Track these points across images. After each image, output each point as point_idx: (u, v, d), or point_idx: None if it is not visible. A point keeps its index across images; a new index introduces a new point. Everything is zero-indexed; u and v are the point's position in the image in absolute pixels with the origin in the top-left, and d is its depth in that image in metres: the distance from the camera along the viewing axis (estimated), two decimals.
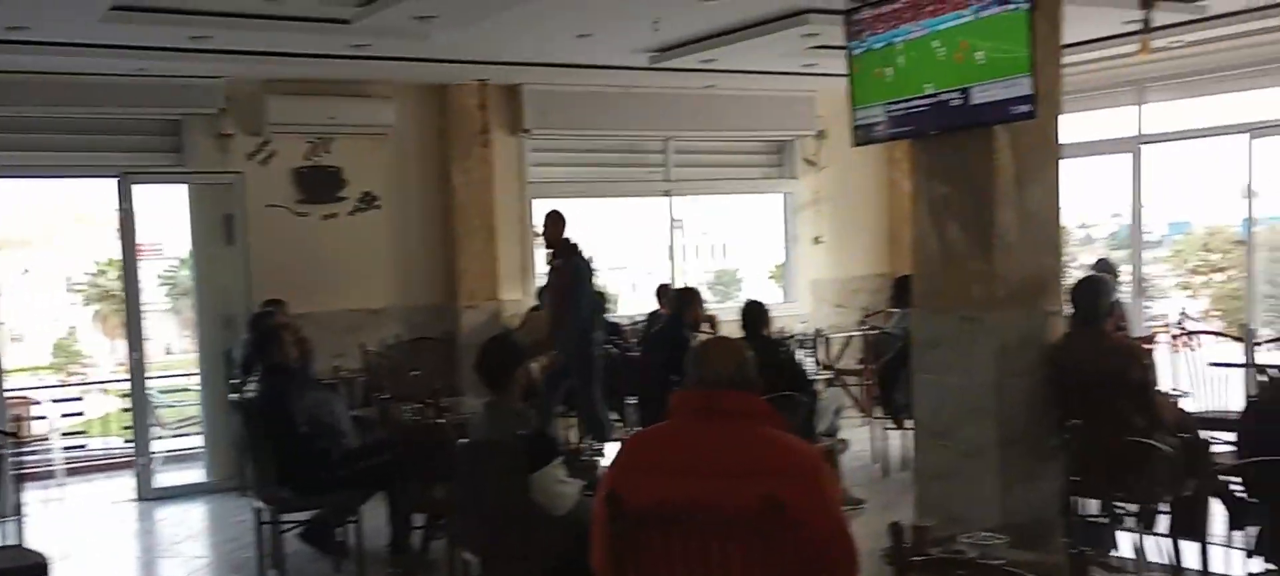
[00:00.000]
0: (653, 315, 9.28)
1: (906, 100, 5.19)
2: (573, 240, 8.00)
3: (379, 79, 8.83)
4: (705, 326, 7.84)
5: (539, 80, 9.24)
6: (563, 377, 7.85)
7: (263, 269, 8.57)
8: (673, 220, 10.60)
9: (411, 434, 5.81)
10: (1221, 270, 12.34)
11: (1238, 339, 7.03)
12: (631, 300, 11.20)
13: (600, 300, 8.25)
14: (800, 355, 8.70)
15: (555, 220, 8.07)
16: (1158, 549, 3.95)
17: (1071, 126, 7.44)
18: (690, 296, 7.67)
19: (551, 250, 8.07)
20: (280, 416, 5.79)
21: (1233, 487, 4.02)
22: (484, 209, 9.44)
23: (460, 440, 4.61)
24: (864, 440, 8.27)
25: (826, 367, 9.67)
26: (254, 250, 8.62)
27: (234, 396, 6.33)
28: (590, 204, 10.84)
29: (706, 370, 2.91)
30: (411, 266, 9.34)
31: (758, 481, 2.70)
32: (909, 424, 6.23)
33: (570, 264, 7.94)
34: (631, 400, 7.42)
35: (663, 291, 9.52)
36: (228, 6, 6.67)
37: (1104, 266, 7.59)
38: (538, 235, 8.85)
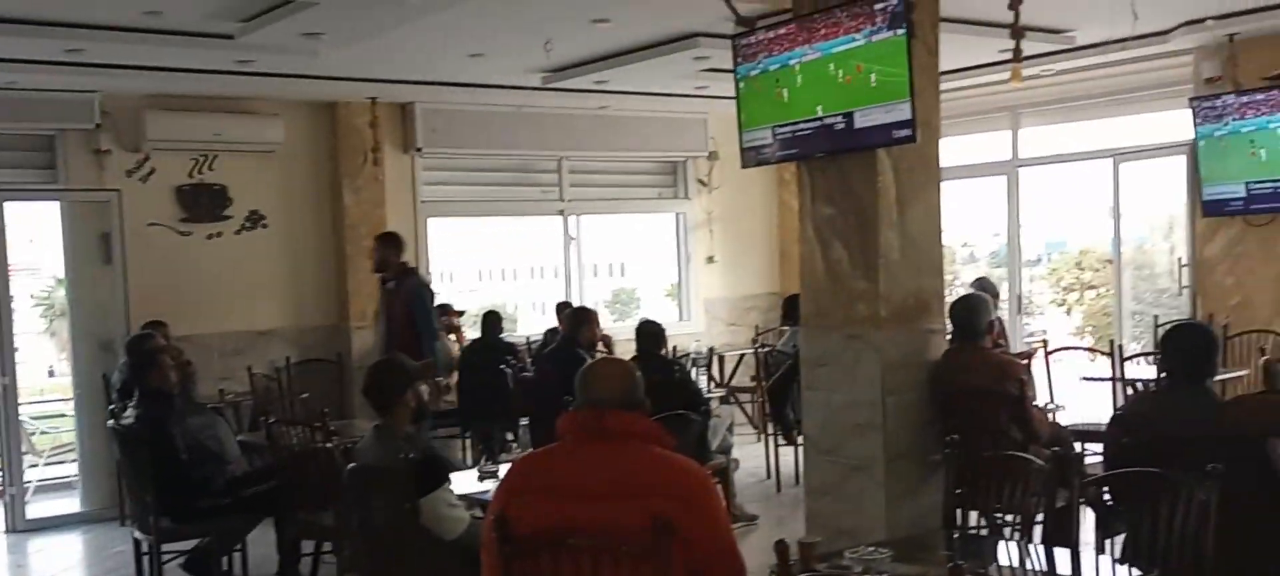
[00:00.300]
0: (551, 332, 9.28)
1: (793, 123, 5.29)
2: (409, 263, 7.78)
3: (266, 95, 8.66)
4: (600, 346, 7.86)
5: (431, 99, 9.17)
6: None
7: (143, 290, 8.30)
8: (568, 238, 10.63)
9: (299, 459, 5.70)
10: (1093, 288, 12.85)
11: (1107, 354, 7.33)
12: (530, 319, 11.17)
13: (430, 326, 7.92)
14: (695, 373, 8.79)
15: (387, 242, 7.86)
16: (1035, 558, 4.09)
17: (952, 150, 7.73)
18: (585, 316, 7.67)
19: (383, 273, 7.83)
20: (159, 442, 5.63)
21: (1104, 496, 4.20)
22: (375, 228, 9.28)
23: (348, 465, 4.54)
24: (757, 456, 8.38)
25: (720, 386, 9.79)
26: (133, 270, 8.34)
27: (111, 422, 6.13)
28: (485, 222, 10.83)
29: (594, 391, 2.93)
30: (301, 287, 9.17)
31: (646, 502, 2.72)
32: (800, 440, 6.34)
33: (406, 287, 7.72)
34: (524, 421, 7.39)
35: (563, 309, 9.52)
36: (104, 19, 6.47)
37: (983, 285, 7.84)
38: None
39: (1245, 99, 7.77)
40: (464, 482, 4.91)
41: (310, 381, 8.44)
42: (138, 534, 5.86)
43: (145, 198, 8.46)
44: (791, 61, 5.22)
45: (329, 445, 5.29)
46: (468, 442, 8.36)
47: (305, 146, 9.17)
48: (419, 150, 9.47)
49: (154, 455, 5.63)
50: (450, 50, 7.55)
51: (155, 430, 5.66)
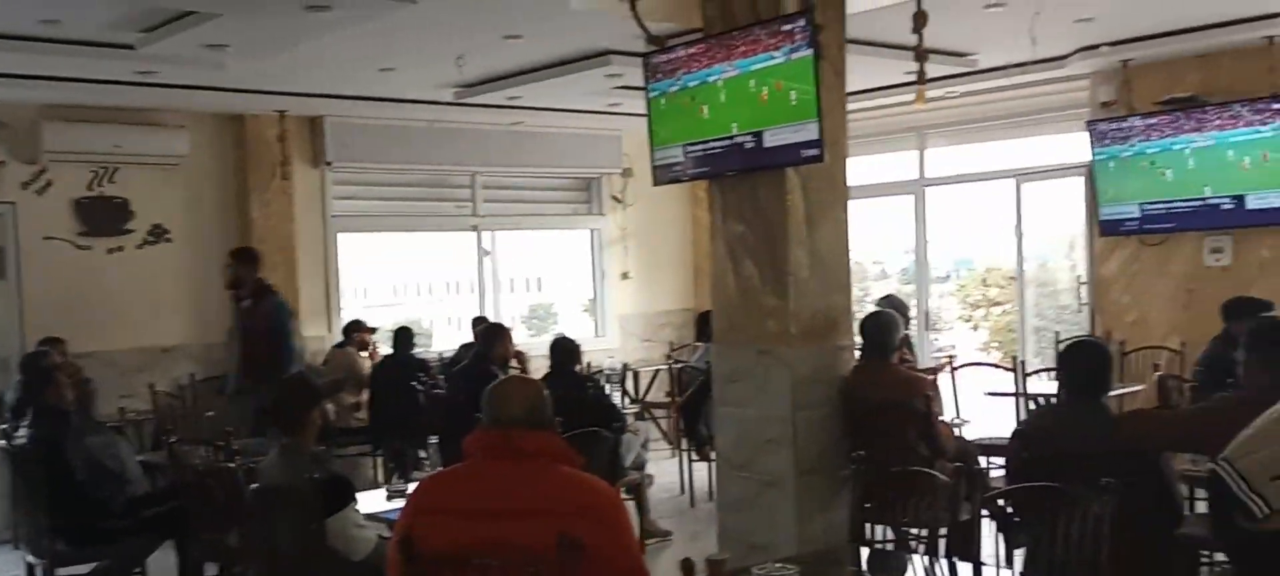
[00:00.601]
0: (464, 347, 9.22)
1: (704, 142, 5.33)
2: (267, 281, 7.56)
3: (170, 107, 8.46)
4: (514, 363, 7.81)
5: (342, 112, 9.05)
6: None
7: (39, 305, 8.05)
8: (482, 254, 10.57)
9: (202, 478, 5.55)
10: (998, 304, 13.18)
11: (1010, 369, 7.51)
12: (445, 335, 11.07)
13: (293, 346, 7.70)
14: (609, 390, 8.79)
15: (242, 258, 7.65)
16: (940, 572, 4.16)
17: (861, 169, 7.87)
18: (497, 332, 7.61)
19: (236, 291, 7.60)
20: (54, 462, 5.44)
21: (1005, 510, 4.30)
22: (284, 243, 9.16)
23: (253, 485, 4.45)
24: (672, 472, 8.41)
25: (635, 402, 9.80)
26: (29, 285, 8.08)
27: (2, 442, 5.92)
28: (398, 238, 10.70)
29: (501, 410, 2.92)
30: (206, 302, 8.95)
31: (554, 521, 2.71)
32: (713, 456, 6.38)
33: (265, 305, 7.51)
34: (435, 439, 7.32)
35: (479, 323, 9.45)
36: None
37: (892, 302, 7.96)
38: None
39: (1150, 121, 8.06)
40: (372, 502, 4.84)
41: (215, 399, 8.24)
42: (30, 557, 5.66)
43: (42, 211, 8.19)
44: (711, 78, 5.25)
45: (233, 465, 5.17)
46: (378, 460, 8.24)
47: (211, 159, 8.98)
48: (329, 164, 9.34)
49: (49, 475, 5.45)
50: (361, 64, 7.47)
51: (50, 449, 5.49)
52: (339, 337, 9.12)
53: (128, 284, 8.58)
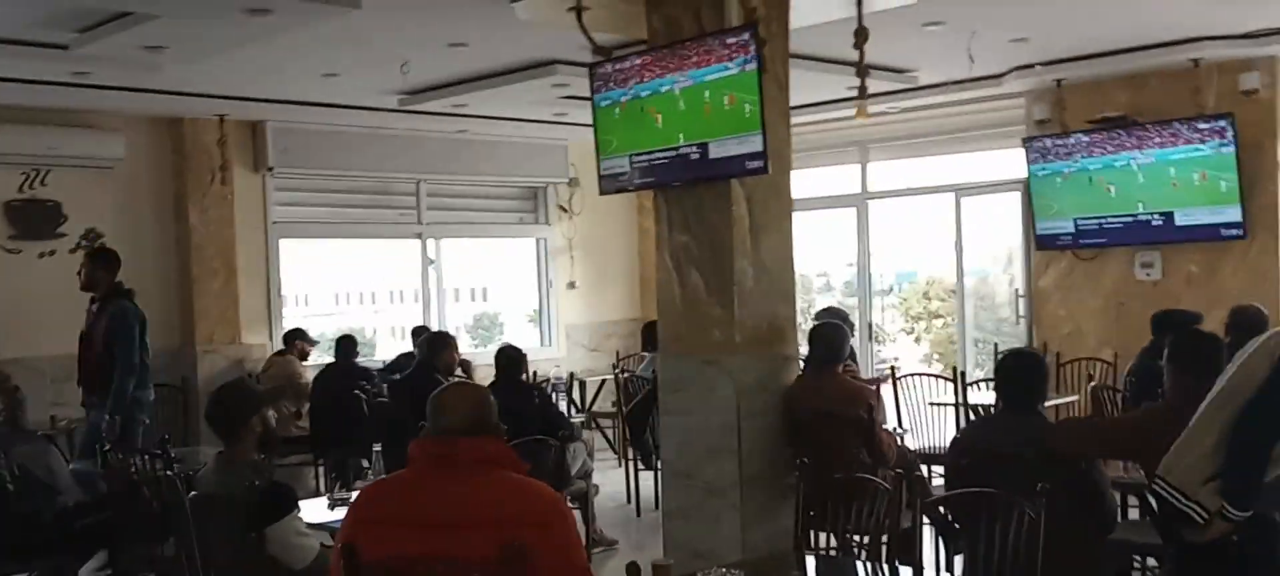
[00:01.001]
0: (403, 356, 9.15)
1: (650, 152, 5.36)
2: (124, 285, 6.92)
3: (105, 109, 8.30)
4: (458, 371, 7.77)
5: (283, 117, 8.95)
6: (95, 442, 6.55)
7: None
8: (427, 262, 10.50)
9: (137, 488, 5.44)
10: (940, 317, 13.36)
11: (951, 380, 7.63)
12: (388, 344, 11.00)
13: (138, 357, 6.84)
14: (556, 399, 8.76)
15: (97, 258, 7.01)
16: None
17: (805, 182, 7.97)
18: (442, 341, 7.57)
19: (92, 292, 6.95)
20: None
21: (944, 517, 4.37)
22: (224, 249, 9.03)
23: (191, 493, 4.37)
24: (618, 481, 8.40)
25: (581, 411, 9.79)
26: None
27: None
28: (342, 244, 10.60)
29: (445, 417, 2.89)
30: (143, 308, 8.77)
31: (498, 529, 2.70)
32: (658, 464, 6.39)
33: (109, 309, 6.77)
34: (378, 447, 7.23)
35: (419, 333, 9.38)
36: None
37: (833, 313, 8.06)
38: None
39: (1084, 139, 8.24)
40: (314, 511, 4.79)
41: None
42: None
43: None
44: (663, 88, 5.26)
45: (170, 473, 5.07)
46: (320, 469, 8.14)
47: (148, 163, 8.84)
48: (271, 170, 9.23)
49: None
50: (303, 69, 7.39)
51: None
52: (279, 346, 9.01)
53: (59, 289, 8.31)
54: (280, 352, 8.91)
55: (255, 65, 7.15)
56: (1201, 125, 7.70)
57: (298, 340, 8.87)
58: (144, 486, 5.30)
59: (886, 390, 7.36)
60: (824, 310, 7.61)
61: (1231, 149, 7.59)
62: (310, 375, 8.66)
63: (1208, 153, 7.73)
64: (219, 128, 8.82)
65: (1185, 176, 7.85)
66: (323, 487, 7.75)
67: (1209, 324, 6.80)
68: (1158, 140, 7.93)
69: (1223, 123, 7.62)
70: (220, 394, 4.50)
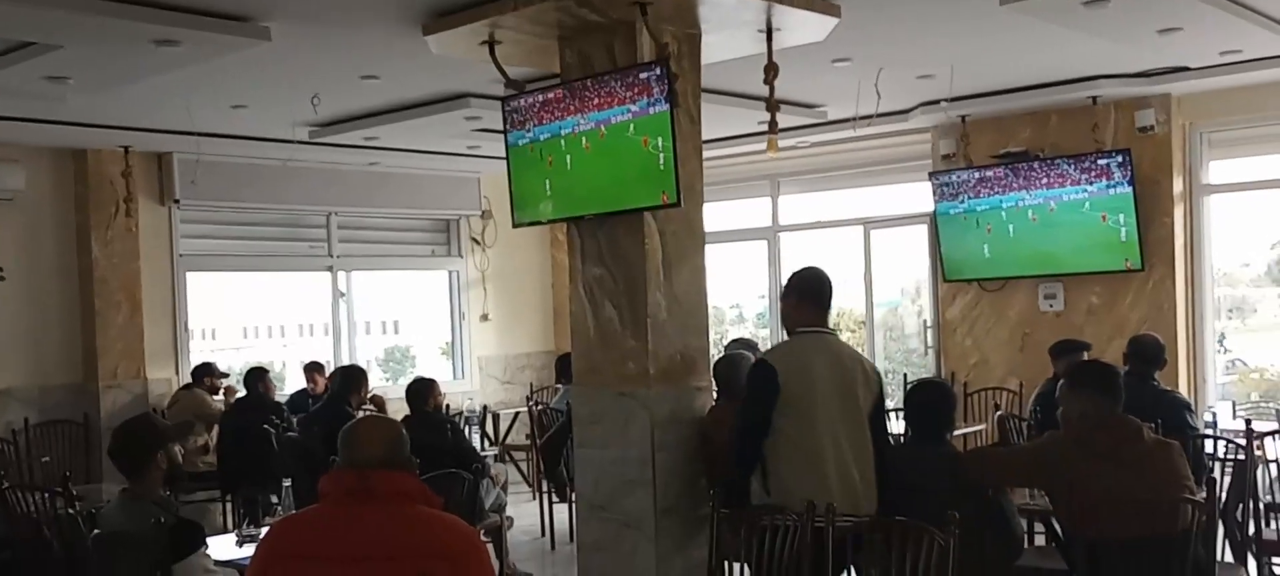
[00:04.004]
0: (299, 393, 9.02)
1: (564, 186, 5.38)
2: None
3: (4, 139, 8.07)
4: (369, 406, 7.68)
5: (190, 149, 8.75)
6: None
7: None
8: (338, 295, 10.37)
9: (38, 527, 5.26)
10: None
11: None
12: (298, 378, 10.80)
13: None
14: (469, 432, 8.70)
15: None
16: None
17: (716, 215, 8.06)
18: (354, 375, 7.49)
19: None
20: None
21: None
22: (128, 282, 8.83)
23: (94, 532, 4.25)
24: (532, 514, 8.37)
25: (495, 444, 9.73)
26: None
27: None
28: (250, 278, 10.41)
29: (358, 451, 2.88)
30: (43, 343, 8.55)
31: (411, 563, 2.69)
32: (573, 497, 6.38)
33: None
34: (288, 483, 7.10)
35: (313, 368, 9.27)
36: None
37: (745, 344, 8.15)
38: None
39: (985, 175, 8.48)
40: (223, 548, 4.69)
41: (53, 443, 7.89)
42: None
43: None
44: (565, 130, 5.26)
45: (72, 511, 4.92)
46: (229, 505, 7.96)
47: (49, 195, 8.61)
48: (177, 202, 9.05)
49: None
50: (211, 100, 7.27)
51: None
52: (186, 380, 8.81)
53: None
54: (187, 386, 8.72)
55: (161, 96, 7.02)
56: (1101, 160, 7.99)
57: (207, 376, 8.69)
58: (45, 526, 5.13)
59: None
60: (734, 341, 7.70)
61: (1129, 190, 7.88)
62: (221, 409, 8.49)
63: (1106, 194, 7.97)
64: (124, 159, 8.62)
65: (1081, 214, 8.09)
66: (231, 524, 7.60)
67: (1109, 353, 7.09)
68: (1046, 180, 8.17)
69: (1121, 158, 7.92)
70: (124, 429, 4.38)
